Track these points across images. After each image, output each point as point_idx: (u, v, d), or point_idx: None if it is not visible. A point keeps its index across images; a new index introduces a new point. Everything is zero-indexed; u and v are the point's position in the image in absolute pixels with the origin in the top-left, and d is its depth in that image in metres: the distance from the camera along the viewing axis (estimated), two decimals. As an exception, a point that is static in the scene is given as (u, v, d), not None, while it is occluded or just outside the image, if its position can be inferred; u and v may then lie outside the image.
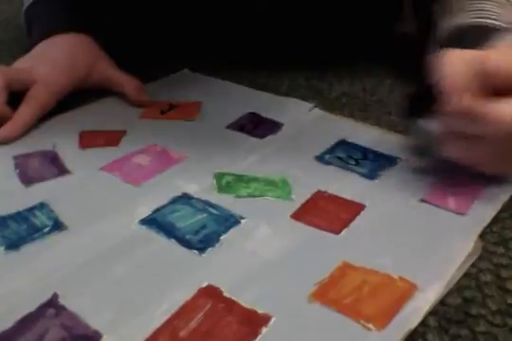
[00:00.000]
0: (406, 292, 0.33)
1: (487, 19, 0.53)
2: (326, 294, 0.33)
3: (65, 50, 0.58)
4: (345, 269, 0.35)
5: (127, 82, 0.59)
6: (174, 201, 0.42)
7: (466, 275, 0.35)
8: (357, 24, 0.68)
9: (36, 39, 0.61)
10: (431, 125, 0.42)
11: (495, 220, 0.40)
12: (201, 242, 0.38)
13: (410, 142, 0.47)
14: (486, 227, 0.39)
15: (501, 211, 0.41)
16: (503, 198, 0.42)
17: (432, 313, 0.32)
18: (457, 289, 0.34)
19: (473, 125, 0.38)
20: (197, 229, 0.39)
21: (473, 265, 0.36)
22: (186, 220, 0.40)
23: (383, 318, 0.31)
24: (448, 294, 0.34)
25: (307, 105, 0.58)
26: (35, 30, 0.63)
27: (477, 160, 0.41)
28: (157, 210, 0.41)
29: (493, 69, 0.37)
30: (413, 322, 0.31)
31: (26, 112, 0.53)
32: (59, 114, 0.56)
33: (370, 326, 0.31)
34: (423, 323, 0.32)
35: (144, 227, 0.39)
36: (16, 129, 0.51)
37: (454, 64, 0.38)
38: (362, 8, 0.65)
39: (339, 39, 0.67)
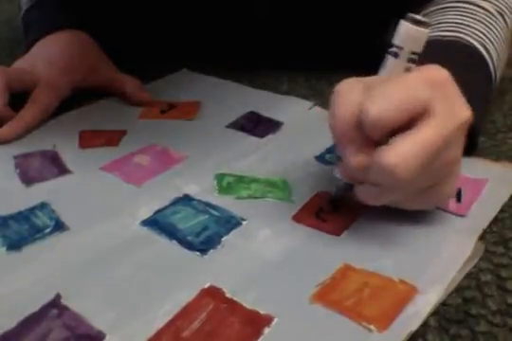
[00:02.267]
0: (407, 294, 0.33)
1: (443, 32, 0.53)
2: (328, 295, 0.33)
3: (63, 48, 0.58)
4: (346, 271, 0.35)
5: (127, 81, 0.59)
6: (175, 202, 0.42)
7: (466, 275, 0.35)
8: (356, 25, 0.68)
9: (33, 39, 0.60)
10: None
11: (495, 220, 0.40)
12: (203, 243, 0.38)
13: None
14: (486, 227, 0.39)
15: (501, 211, 0.41)
16: (503, 199, 0.42)
17: (432, 313, 0.33)
18: (457, 289, 0.34)
19: (365, 175, 0.35)
20: (199, 231, 0.39)
21: (473, 265, 0.36)
22: (187, 221, 0.40)
23: (384, 320, 0.32)
24: (448, 294, 0.34)
25: (307, 104, 0.58)
26: (31, 32, 0.63)
27: (388, 202, 0.38)
28: (159, 211, 0.41)
29: (372, 123, 0.34)
30: (414, 324, 0.31)
31: (28, 114, 0.53)
32: (59, 114, 0.56)
33: (371, 327, 0.31)
34: (423, 323, 0.32)
35: (145, 228, 0.39)
36: (16, 129, 0.51)
37: (343, 107, 0.35)
38: (361, 11, 0.65)
39: (339, 39, 0.67)
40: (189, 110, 0.57)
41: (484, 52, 0.51)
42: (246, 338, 0.31)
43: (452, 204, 0.42)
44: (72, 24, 0.61)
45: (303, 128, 0.53)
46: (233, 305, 0.33)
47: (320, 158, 0.48)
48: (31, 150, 0.50)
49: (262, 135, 0.52)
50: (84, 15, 0.64)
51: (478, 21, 0.54)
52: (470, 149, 0.47)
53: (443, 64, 0.36)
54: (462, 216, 0.40)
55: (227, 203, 0.42)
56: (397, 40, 0.35)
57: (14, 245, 0.38)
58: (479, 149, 0.50)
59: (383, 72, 0.37)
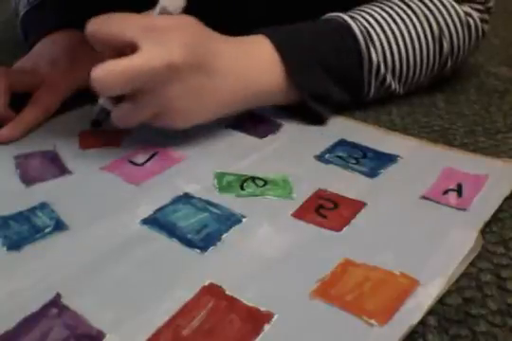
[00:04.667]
0: (408, 287, 0.34)
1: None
2: (328, 291, 0.33)
3: (66, 48, 0.58)
4: (347, 266, 0.35)
5: None
6: (176, 201, 0.42)
7: (466, 275, 0.35)
8: None
9: (34, 39, 0.60)
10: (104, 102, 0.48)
11: (495, 220, 0.40)
12: (203, 241, 0.38)
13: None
14: (486, 227, 0.39)
15: (501, 211, 0.41)
16: (504, 194, 0.42)
17: (432, 313, 0.33)
18: (457, 289, 0.34)
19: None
20: (199, 228, 0.39)
21: (473, 265, 0.36)
22: (187, 219, 0.40)
23: (385, 314, 0.32)
24: (448, 294, 0.34)
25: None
26: (32, 32, 0.63)
27: (133, 123, 0.46)
28: (159, 210, 0.41)
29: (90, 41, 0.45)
30: (415, 317, 0.31)
31: (29, 114, 0.53)
32: (59, 114, 0.56)
33: (372, 321, 0.31)
34: (423, 323, 0.32)
35: (146, 227, 0.39)
36: (17, 129, 0.51)
37: None
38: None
39: None
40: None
41: (358, 31, 0.53)
42: (247, 335, 0.31)
43: (453, 198, 0.42)
44: (73, 24, 0.61)
45: (303, 128, 0.53)
46: (233, 302, 0.33)
47: (321, 158, 0.48)
48: (32, 150, 0.50)
49: (262, 136, 0.52)
50: (85, 15, 0.64)
51: (385, 12, 0.56)
52: (317, 117, 0.53)
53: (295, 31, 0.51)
54: (463, 210, 0.41)
55: (227, 201, 0.42)
56: None
57: (15, 245, 0.38)
58: (479, 148, 0.50)
59: None
